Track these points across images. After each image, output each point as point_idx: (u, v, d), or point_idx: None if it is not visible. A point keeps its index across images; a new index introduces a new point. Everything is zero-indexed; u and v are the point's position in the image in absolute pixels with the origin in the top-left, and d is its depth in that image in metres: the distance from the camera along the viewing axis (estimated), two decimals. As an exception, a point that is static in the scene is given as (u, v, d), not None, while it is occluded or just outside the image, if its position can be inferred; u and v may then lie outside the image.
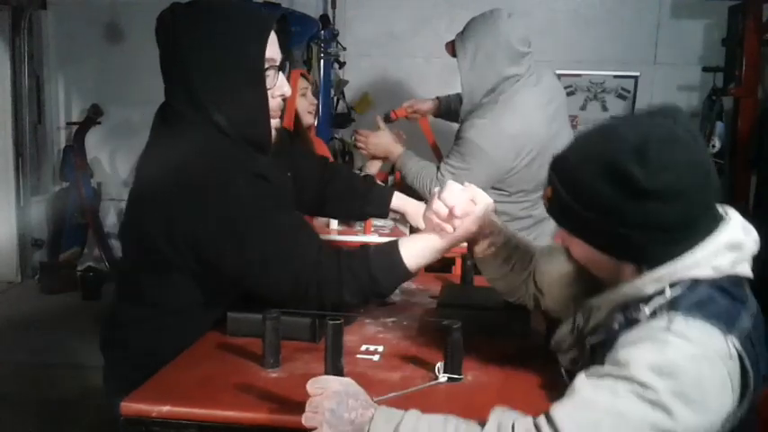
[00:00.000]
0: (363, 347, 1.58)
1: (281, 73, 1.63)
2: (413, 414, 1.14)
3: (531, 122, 2.63)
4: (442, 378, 1.38)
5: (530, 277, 1.55)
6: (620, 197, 1.12)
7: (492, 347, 1.55)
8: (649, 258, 1.17)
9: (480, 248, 1.57)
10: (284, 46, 1.65)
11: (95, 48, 5.30)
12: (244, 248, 1.49)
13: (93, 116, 5.19)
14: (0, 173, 5.11)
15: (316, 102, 3.00)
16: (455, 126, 3.03)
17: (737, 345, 1.09)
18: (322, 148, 3.31)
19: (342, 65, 4.94)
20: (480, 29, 2.66)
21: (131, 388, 1.35)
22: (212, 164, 1.51)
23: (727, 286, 1.16)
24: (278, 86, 1.63)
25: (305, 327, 1.58)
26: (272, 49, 1.60)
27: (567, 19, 5.03)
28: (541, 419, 1.10)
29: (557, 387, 1.30)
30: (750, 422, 1.17)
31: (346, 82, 5.01)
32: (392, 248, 1.54)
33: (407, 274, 1.55)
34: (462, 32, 2.72)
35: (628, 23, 4.90)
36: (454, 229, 1.51)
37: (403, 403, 1.26)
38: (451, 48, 2.74)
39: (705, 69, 4.68)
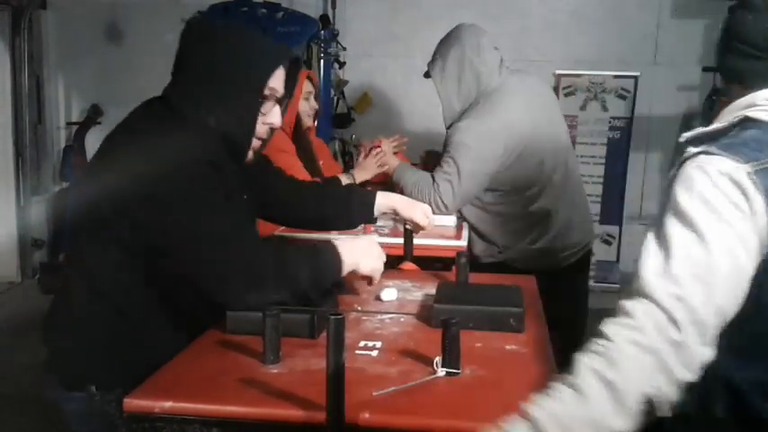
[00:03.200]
0: (362, 343, 1.58)
1: (277, 106, 1.76)
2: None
3: (513, 117, 2.66)
4: (441, 372, 1.38)
5: None
6: None
7: (488, 342, 1.56)
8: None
9: None
10: (290, 87, 1.79)
11: (95, 48, 5.31)
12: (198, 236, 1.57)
13: (93, 116, 5.21)
14: (0, 173, 5.11)
15: (317, 107, 3.02)
16: None
17: (750, 172, 1.24)
18: (322, 150, 3.31)
19: (342, 65, 4.95)
20: (447, 50, 2.72)
21: (81, 377, 1.64)
22: (190, 155, 1.60)
23: None
24: (271, 114, 1.75)
25: (304, 323, 1.59)
26: (277, 83, 1.74)
27: (566, 19, 5.04)
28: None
29: (551, 380, 1.30)
30: None
31: (346, 82, 5.02)
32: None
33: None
34: (433, 57, 2.78)
35: (628, 23, 4.91)
36: None
37: (403, 397, 1.28)
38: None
39: (705, 69, 4.69)
